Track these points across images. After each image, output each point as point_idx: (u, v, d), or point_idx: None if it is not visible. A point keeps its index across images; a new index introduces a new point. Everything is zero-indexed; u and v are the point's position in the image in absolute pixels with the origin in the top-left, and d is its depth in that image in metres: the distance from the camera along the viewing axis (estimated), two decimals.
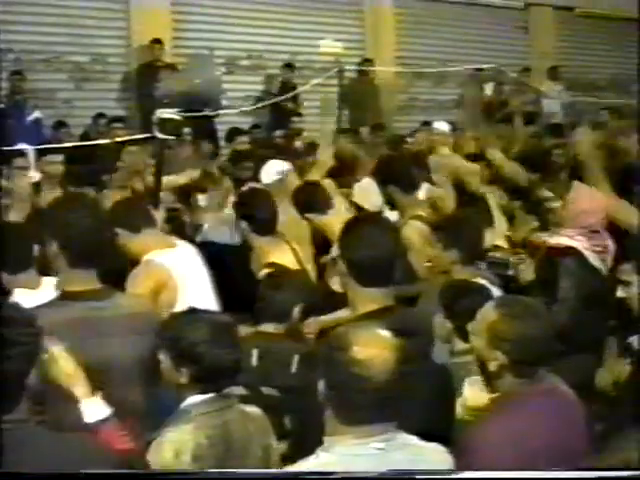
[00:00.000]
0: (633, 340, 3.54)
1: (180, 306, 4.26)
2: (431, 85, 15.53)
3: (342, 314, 4.77)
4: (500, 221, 6.66)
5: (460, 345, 3.97)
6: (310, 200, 5.60)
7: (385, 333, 2.71)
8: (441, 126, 10.84)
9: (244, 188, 6.67)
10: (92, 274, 3.53)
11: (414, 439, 2.74)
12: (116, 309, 3.56)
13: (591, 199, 5.27)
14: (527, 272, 5.24)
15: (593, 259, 4.86)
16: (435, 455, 2.78)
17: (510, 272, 5.44)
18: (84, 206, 3.68)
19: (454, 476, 2.68)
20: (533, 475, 2.70)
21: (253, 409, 3.33)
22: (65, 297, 3.51)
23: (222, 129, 11.37)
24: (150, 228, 4.85)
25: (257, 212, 5.28)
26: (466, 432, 3.15)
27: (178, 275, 4.67)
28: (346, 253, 3.41)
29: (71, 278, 3.52)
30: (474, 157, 8.54)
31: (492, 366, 3.12)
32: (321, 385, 2.69)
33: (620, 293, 3.61)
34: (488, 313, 3.20)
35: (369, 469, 2.55)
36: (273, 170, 6.75)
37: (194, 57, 10.84)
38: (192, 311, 3.36)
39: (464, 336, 3.90)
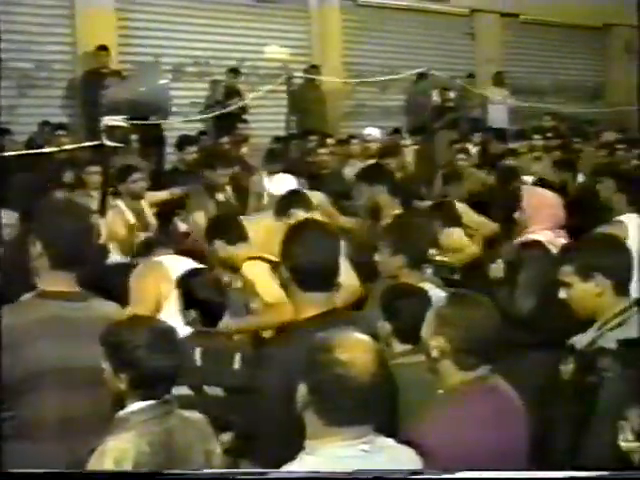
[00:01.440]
0: (575, 341, 3.57)
1: None
2: (377, 91, 15.59)
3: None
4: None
5: (398, 347, 3.97)
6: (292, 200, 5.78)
7: (364, 336, 2.75)
8: (373, 132, 10.96)
9: None
10: (71, 277, 3.63)
11: (390, 441, 2.78)
12: (90, 312, 3.61)
13: (542, 197, 5.37)
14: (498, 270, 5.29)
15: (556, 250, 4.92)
16: (408, 457, 2.82)
17: (456, 276, 5.49)
18: (71, 210, 3.84)
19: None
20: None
21: (194, 414, 3.32)
22: (41, 296, 3.59)
23: (169, 136, 11.35)
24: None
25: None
26: (409, 431, 3.17)
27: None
28: (288, 258, 3.42)
29: (51, 279, 3.60)
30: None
31: (434, 352, 3.15)
32: (302, 389, 2.69)
33: (562, 294, 3.64)
34: (438, 302, 3.32)
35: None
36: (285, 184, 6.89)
37: (141, 64, 10.82)
38: (133, 317, 3.36)
39: (403, 338, 3.95)
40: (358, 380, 2.60)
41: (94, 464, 2.98)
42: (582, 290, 3.57)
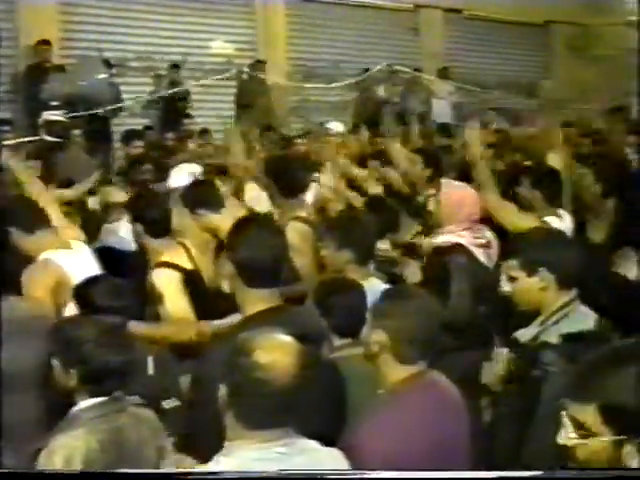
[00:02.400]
0: (518, 334, 3.61)
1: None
2: (323, 86, 15.61)
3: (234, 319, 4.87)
4: None
5: (337, 341, 3.99)
6: (200, 197, 5.53)
7: (287, 338, 2.73)
8: (335, 127, 10.94)
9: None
10: None
11: (312, 443, 2.77)
12: (9, 312, 3.56)
13: (463, 193, 5.30)
14: (414, 274, 5.30)
15: (479, 254, 4.95)
16: (332, 459, 2.80)
17: (397, 270, 5.51)
18: None
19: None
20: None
21: (145, 411, 3.32)
22: None
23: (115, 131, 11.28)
24: (44, 228, 4.89)
25: (149, 214, 5.25)
26: (351, 430, 3.20)
27: (73, 274, 4.68)
28: (234, 254, 3.42)
29: None
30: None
31: (375, 347, 3.18)
32: (222, 390, 2.69)
33: (506, 288, 3.68)
34: (379, 297, 3.35)
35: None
36: (184, 173, 6.71)
37: (81, 58, 10.71)
38: (83, 313, 3.35)
39: (340, 332, 3.97)
40: (277, 383, 2.59)
41: (43, 462, 2.97)
42: (527, 284, 3.59)
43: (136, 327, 4.30)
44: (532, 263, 3.58)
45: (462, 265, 4.76)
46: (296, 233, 5.55)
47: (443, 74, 16.17)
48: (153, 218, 5.23)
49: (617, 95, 17.70)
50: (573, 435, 2.18)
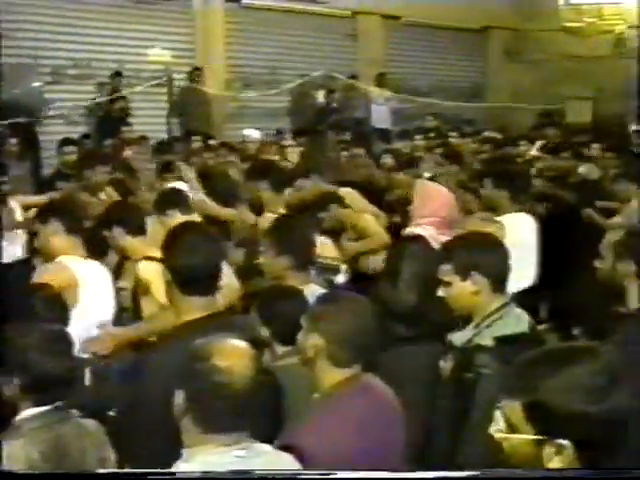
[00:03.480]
0: (453, 338, 3.63)
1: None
2: (261, 92, 15.61)
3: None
4: None
5: (279, 349, 3.98)
6: (170, 199, 5.65)
7: (242, 342, 2.73)
8: (252, 134, 10.98)
9: None
10: None
11: (267, 447, 2.78)
12: None
13: (433, 190, 5.41)
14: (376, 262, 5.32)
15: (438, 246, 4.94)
16: (286, 463, 2.81)
17: (340, 277, 5.52)
18: None
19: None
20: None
21: (88, 421, 3.28)
22: None
23: (51, 139, 11.14)
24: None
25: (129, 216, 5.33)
26: (287, 432, 3.20)
27: (85, 280, 4.86)
28: (170, 261, 3.41)
29: None
30: None
31: (310, 352, 3.18)
32: (179, 397, 2.68)
33: (441, 292, 3.69)
34: (314, 301, 3.38)
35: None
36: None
37: (14, 66, 10.60)
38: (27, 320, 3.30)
39: (282, 340, 3.96)
40: (235, 388, 2.60)
41: None
42: (460, 288, 3.61)
43: (117, 331, 4.32)
44: (465, 267, 3.60)
45: (416, 252, 4.78)
46: None
47: (381, 80, 16.24)
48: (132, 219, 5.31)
49: (552, 99, 17.98)
50: (500, 429, 2.20)
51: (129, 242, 5.22)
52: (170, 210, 5.59)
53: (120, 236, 5.23)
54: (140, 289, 5.00)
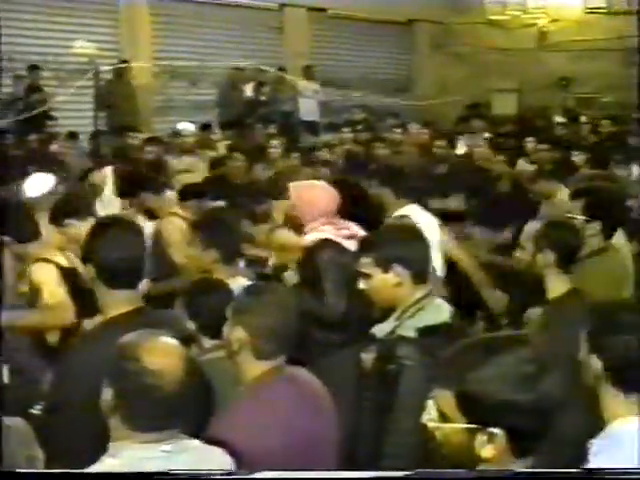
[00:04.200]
0: (376, 330, 3.65)
1: None
2: (188, 85, 15.53)
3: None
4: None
5: (207, 343, 3.98)
6: (67, 208, 5.50)
7: (173, 341, 2.71)
8: (187, 127, 10.94)
9: None
10: None
11: (196, 442, 2.76)
12: None
13: (313, 191, 5.34)
14: (290, 275, 5.30)
15: (349, 245, 4.94)
16: (217, 458, 2.81)
17: (267, 270, 5.53)
18: None
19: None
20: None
21: (14, 419, 3.26)
22: None
23: None
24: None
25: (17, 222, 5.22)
26: (212, 424, 3.22)
27: None
28: (93, 256, 3.39)
29: None
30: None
31: (235, 345, 3.20)
32: (107, 394, 2.66)
33: (362, 285, 3.71)
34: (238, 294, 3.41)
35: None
36: (39, 184, 6.63)
37: None
38: None
39: (209, 334, 3.97)
40: (164, 386, 2.59)
41: None
42: (382, 280, 3.61)
43: (10, 316, 4.24)
44: (386, 260, 3.60)
45: (332, 259, 4.78)
46: (173, 227, 5.57)
47: (308, 72, 16.26)
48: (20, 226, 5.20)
49: (478, 91, 18.19)
50: (432, 417, 2.24)
51: (21, 248, 5.17)
52: (67, 220, 5.38)
53: (11, 242, 5.17)
54: (32, 291, 4.94)
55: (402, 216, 5.80)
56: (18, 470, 2.55)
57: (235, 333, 3.20)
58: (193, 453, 2.71)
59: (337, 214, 5.20)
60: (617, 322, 2.84)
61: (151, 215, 6.47)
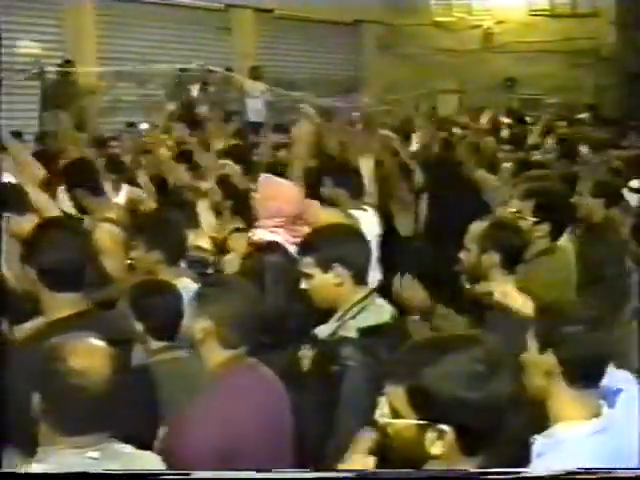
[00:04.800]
0: (318, 331, 3.65)
1: None
2: (134, 86, 15.42)
3: None
4: (207, 222, 6.67)
5: (155, 344, 3.96)
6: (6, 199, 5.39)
7: (99, 342, 2.69)
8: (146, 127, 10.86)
9: None
10: None
11: (128, 447, 2.74)
12: None
13: (277, 188, 5.33)
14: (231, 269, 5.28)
15: (294, 251, 4.95)
16: (148, 462, 2.79)
17: (210, 271, 5.50)
18: None
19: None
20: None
21: None
22: None
23: None
24: None
25: None
26: (172, 427, 3.21)
27: None
28: (34, 258, 3.35)
29: None
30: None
31: (199, 335, 3.24)
32: (35, 397, 2.63)
33: (303, 285, 3.71)
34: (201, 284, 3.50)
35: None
36: None
37: None
38: None
39: (156, 335, 3.95)
40: (92, 389, 2.56)
41: None
42: (323, 280, 3.62)
43: None
44: (327, 260, 3.61)
45: (275, 264, 4.78)
46: (105, 235, 5.48)
47: (254, 73, 16.23)
48: None
49: (425, 92, 18.27)
50: (384, 413, 2.26)
51: None
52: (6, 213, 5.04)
53: None
54: None
55: (348, 214, 5.83)
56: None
57: (200, 323, 3.24)
58: (123, 459, 2.67)
59: (298, 221, 5.20)
60: (569, 316, 2.85)
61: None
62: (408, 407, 2.21)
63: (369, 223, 5.97)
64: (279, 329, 4.12)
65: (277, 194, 5.20)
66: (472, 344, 2.26)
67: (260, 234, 5.10)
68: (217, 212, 6.74)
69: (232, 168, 7.43)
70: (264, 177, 5.50)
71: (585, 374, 2.77)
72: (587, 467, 2.44)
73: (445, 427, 2.18)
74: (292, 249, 4.97)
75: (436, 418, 2.19)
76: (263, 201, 5.20)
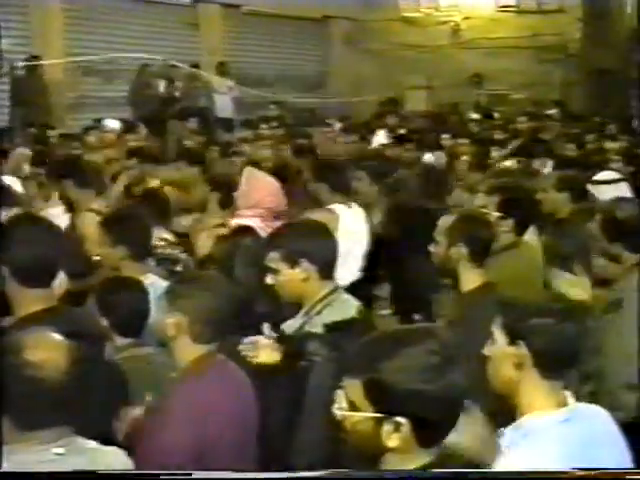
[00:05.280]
0: (285, 326, 3.66)
1: None
2: (101, 82, 15.35)
3: None
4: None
5: (120, 341, 3.95)
6: None
7: (57, 335, 2.67)
8: (111, 124, 10.83)
9: None
10: None
11: (92, 443, 2.73)
12: None
13: (258, 180, 5.38)
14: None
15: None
16: (114, 458, 2.79)
17: (179, 268, 5.49)
18: None
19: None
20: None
21: None
22: None
23: None
24: None
25: None
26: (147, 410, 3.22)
27: None
28: (6, 254, 3.34)
29: None
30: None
31: (170, 330, 3.24)
32: None
33: (269, 280, 3.72)
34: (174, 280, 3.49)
35: None
36: None
37: None
38: None
39: (121, 332, 3.94)
40: (49, 382, 2.55)
41: None
42: (289, 275, 3.64)
43: None
44: (293, 255, 3.63)
45: (246, 246, 4.78)
46: (90, 220, 5.52)
47: (222, 69, 16.20)
48: None
49: (393, 88, 18.32)
50: (342, 407, 2.27)
51: None
52: None
53: None
54: None
55: (327, 209, 5.85)
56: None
57: (172, 318, 3.24)
58: (88, 455, 2.67)
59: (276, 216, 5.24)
60: (538, 307, 2.87)
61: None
62: (365, 400, 2.23)
63: (353, 219, 5.99)
64: (247, 313, 4.12)
65: (260, 186, 5.27)
66: (428, 337, 2.28)
67: (237, 221, 5.15)
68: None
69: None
70: (248, 170, 5.55)
71: (557, 365, 2.78)
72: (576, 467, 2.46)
73: (401, 419, 2.19)
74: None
75: (392, 411, 2.20)
76: (246, 192, 5.25)
